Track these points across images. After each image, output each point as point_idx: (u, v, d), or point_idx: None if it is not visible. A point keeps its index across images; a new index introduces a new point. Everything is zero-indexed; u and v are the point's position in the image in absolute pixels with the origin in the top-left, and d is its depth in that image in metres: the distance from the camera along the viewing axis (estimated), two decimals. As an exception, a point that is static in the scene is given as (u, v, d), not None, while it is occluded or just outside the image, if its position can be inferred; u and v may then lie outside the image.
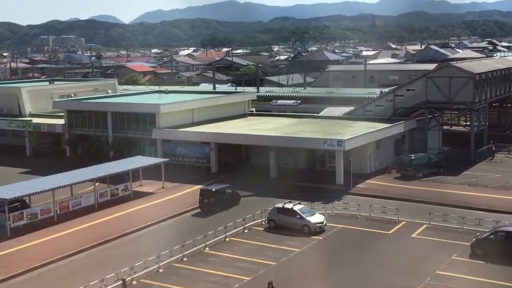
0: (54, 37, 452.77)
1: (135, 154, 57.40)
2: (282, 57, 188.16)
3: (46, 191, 42.85)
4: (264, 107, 76.74)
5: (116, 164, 51.31)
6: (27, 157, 68.51)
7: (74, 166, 51.60)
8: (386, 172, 54.53)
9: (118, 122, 62.92)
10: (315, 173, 54.30)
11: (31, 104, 76.01)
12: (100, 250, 37.73)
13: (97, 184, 48.16)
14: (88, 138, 65.70)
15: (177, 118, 61.11)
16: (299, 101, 78.99)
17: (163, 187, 51.88)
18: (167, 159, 54.50)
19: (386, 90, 69.81)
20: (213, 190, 45.51)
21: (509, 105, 71.38)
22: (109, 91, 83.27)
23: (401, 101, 61.43)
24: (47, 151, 70.22)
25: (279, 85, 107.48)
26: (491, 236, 34.40)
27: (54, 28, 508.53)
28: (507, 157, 61.09)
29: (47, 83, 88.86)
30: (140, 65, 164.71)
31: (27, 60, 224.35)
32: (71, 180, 45.36)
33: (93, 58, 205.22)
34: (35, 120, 71.33)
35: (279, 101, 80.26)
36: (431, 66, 78.35)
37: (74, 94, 79.61)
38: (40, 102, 76.34)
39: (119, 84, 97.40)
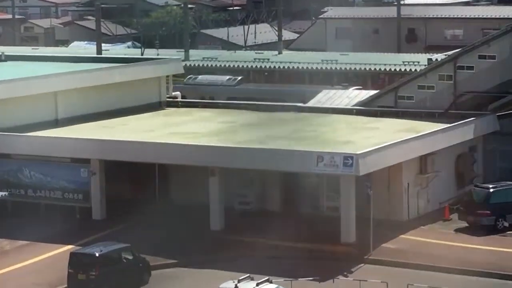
0: None
1: None
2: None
3: None
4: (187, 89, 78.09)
5: None
6: None
7: None
8: (440, 218, 55.19)
9: None
10: (302, 220, 54.55)
11: None
12: None
13: None
14: None
15: (23, 111, 60.97)
16: (240, 78, 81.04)
17: (-5, 249, 51.57)
18: (3, 193, 53.80)
19: (438, 57, 70.43)
20: (97, 255, 45.25)
21: None
22: None
23: (469, 79, 62.14)
24: None
25: (229, 45, 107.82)
26: None
27: None
28: None
29: None
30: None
31: None
32: None
33: None
34: None
35: (200, 77, 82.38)
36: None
37: None
38: None
39: None
